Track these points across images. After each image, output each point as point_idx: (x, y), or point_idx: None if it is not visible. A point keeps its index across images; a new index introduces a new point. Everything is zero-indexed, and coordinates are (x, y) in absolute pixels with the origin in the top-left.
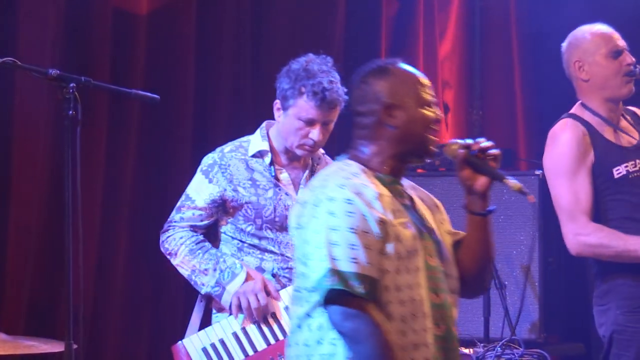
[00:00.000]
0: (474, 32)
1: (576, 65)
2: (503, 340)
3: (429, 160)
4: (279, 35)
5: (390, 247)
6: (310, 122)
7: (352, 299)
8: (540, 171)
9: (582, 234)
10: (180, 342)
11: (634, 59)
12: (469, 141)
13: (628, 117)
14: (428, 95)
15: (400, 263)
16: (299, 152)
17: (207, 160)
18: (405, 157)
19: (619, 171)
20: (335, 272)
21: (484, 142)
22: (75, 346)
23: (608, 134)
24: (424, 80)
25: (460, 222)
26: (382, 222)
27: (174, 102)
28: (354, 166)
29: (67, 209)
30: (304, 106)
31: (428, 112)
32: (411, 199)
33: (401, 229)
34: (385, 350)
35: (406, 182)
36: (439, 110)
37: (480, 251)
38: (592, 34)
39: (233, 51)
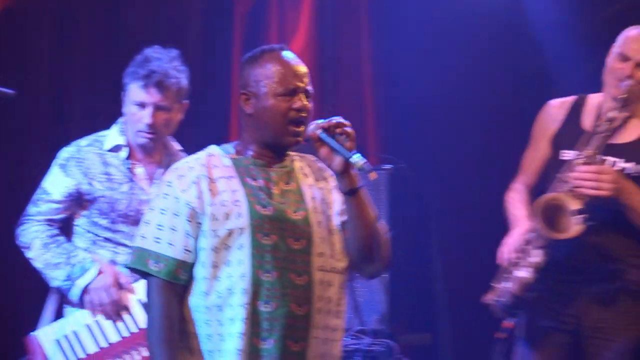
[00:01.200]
0: (326, 29)
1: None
2: (352, 331)
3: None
4: (135, 31)
5: (207, 226)
6: (141, 105)
7: (149, 276)
8: (390, 166)
9: (509, 193)
10: (33, 333)
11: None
12: (325, 121)
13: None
14: (290, 85)
15: (219, 241)
16: (139, 140)
17: (64, 154)
18: (266, 144)
19: (567, 155)
20: (138, 250)
21: (336, 119)
22: None
23: (589, 119)
24: (294, 69)
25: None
26: (193, 206)
27: (29, 97)
28: (206, 151)
29: None
30: (134, 89)
31: (281, 103)
32: (268, 181)
33: (224, 209)
34: (158, 334)
35: (298, 162)
36: (302, 100)
37: (358, 229)
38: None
39: (89, 46)
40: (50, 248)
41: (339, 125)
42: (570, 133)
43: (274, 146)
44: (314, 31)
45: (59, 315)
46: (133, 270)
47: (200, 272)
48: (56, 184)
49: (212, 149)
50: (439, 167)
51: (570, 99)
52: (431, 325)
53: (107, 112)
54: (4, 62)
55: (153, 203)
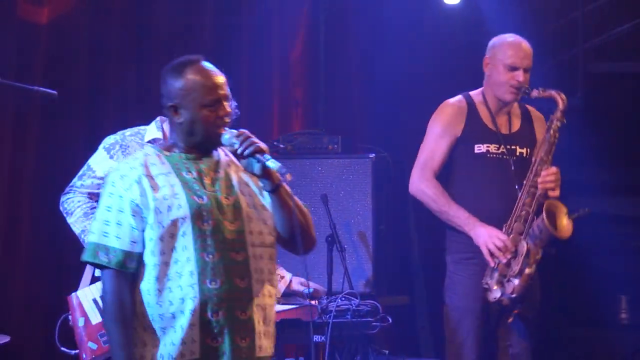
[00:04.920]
0: (319, 40)
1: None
2: (343, 293)
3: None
4: (159, 42)
5: (152, 219)
6: None
7: (101, 267)
8: (373, 154)
9: (423, 183)
10: (73, 293)
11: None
12: (239, 131)
13: (518, 111)
14: (214, 95)
15: (165, 231)
16: None
17: (109, 140)
18: (195, 146)
19: (480, 148)
20: (89, 245)
21: (244, 134)
22: None
23: (485, 116)
24: (215, 80)
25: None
26: (137, 202)
27: (70, 98)
28: (144, 150)
29: None
30: None
31: (208, 113)
32: (200, 173)
33: (166, 202)
34: (111, 316)
35: (221, 151)
36: (225, 107)
37: (283, 220)
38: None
39: (119, 57)
40: (89, 217)
41: (247, 139)
42: (477, 129)
43: (202, 147)
44: (309, 42)
45: (96, 278)
46: (87, 262)
47: (151, 259)
48: (100, 163)
49: (148, 148)
50: (415, 155)
51: (462, 100)
52: (409, 288)
53: (133, 111)
54: (49, 68)
55: (100, 201)
